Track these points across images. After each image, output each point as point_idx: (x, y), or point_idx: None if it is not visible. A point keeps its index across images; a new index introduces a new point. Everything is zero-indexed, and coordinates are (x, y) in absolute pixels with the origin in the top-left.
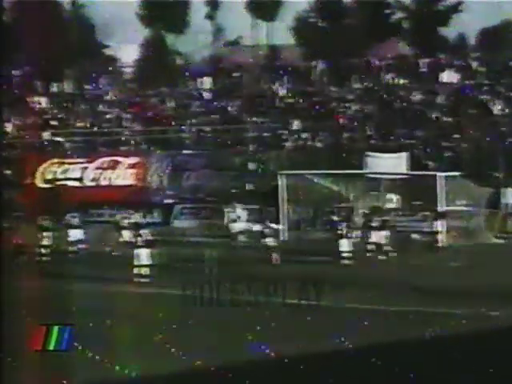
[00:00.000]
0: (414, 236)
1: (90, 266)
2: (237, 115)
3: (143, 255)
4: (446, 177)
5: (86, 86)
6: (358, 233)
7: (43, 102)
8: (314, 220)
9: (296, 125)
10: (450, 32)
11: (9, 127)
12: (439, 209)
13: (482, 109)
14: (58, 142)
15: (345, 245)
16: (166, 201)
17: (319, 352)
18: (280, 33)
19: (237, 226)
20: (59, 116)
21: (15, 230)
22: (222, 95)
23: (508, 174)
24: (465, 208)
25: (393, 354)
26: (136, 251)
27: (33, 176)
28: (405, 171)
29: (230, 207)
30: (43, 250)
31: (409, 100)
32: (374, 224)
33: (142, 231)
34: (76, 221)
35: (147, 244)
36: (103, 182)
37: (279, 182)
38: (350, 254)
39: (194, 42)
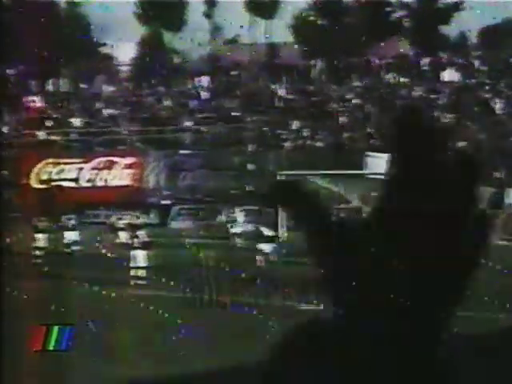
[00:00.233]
0: None
1: (84, 268)
2: (235, 114)
3: (140, 257)
4: None
5: (82, 85)
6: None
7: (38, 100)
8: None
9: (295, 124)
10: (451, 30)
11: (3, 127)
12: None
13: (483, 108)
14: (53, 141)
15: None
16: (163, 201)
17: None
18: (279, 31)
19: (234, 228)
20: (54, 115)
21: (9, 232)
22: (219, 94)
23: (511, 172)
24: None
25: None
26: (132, 253)
27: (27, 176)
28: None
29: (228, 208)
30: (37, 252)
31: (409, 99)
32: None
33: (138, 232)
34: (71, 222)
35: (144, 245)
36: (99, 183)
37: None
38: None
39: (192, 40)
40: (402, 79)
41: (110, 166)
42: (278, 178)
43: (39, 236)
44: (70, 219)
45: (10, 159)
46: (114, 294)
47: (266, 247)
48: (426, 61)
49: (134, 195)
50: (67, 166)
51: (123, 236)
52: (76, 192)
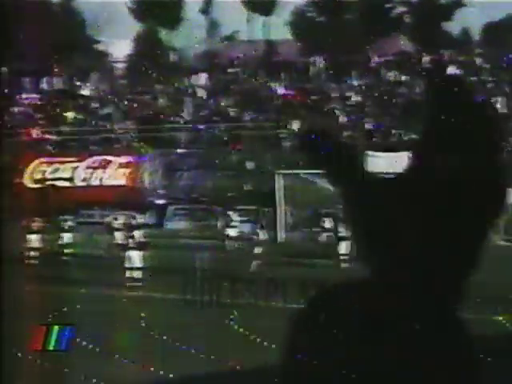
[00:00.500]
0: None
1: (79, 269)
2: (232, 112)
3: (135, 257)
4: None
5: (77, 83)
6: None
7: (32, 98)
8: (312, 221)
9: (294, 122)
10: (453, 27)
11: None
12: None
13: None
14: (47, 140)
15: (344, 247)
16: (159, 201)
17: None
18: (277, 28)
19: (231, 228)
20: (48, 113)
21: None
22: (217, 91)
23: None
24: None
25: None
26: (128, 253)
27: (21, 176)
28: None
29: (225, 208)
30: (31, 253)
31: (410, 97)
32: None
33: (134, 233)
34: (66, 222)
35: (139, 246)
36: (94, 182)
37: (276, 182)
38: (349, 257)
39: (189, 37)
40: (403, 77)
41: (105, 165)
42: (276, 177)
43: (32, 237)
44: (64, 219)
45: (2, 158)
46: (107, 295)
47: (259, 250)
48: (427, 58)
49: (129, 195)
50: (62, 165)
51: (118, 236)
52: (71, 191)
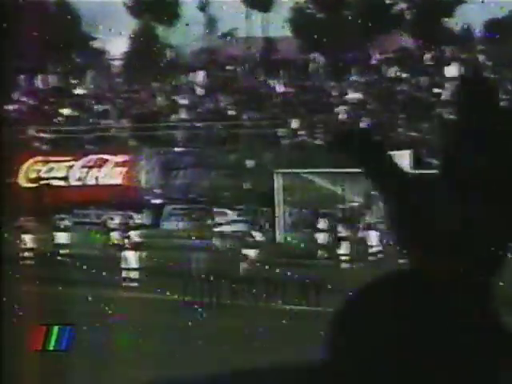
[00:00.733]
0: None
1: (74, 270)
2: (230, 110)
3: (131, 258)
4: None
5: (72, 81)
6: (358, 235)
7: (26, 96)
8: (311, 221)
9: (293, 121)
10: (454, 23)
11: None
12: None
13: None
14: (42, 138)
15: (344, 247)
16: (156, 201)
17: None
18: (276, 24)
19: (229, 228)
20: (43, 111)
21: None
22: (214, 89)
23: None
24: None
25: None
26: (123, 254)
27: (15, 175)
28: (408, 170)
29: (223, 208)
30: (26, 253)
31: (412, 95)
32: (374, 225)
33: (130, 233)
34: (61, 222)
35: (135, 246)
36: (90, 181)
37: (275, 181)
38: (349, 257)
39: (186, 34)
40: (403, 74)
41: (100, 164)
42: (275, 176)
43: (27, 237)
44: (59, 219)
45: None
46: (101, 296)
47: (252, 253)
48: (428, 55)
49: (125, 194)
50: (57, 164)
51: (114, 236)
52: (66, 191)
